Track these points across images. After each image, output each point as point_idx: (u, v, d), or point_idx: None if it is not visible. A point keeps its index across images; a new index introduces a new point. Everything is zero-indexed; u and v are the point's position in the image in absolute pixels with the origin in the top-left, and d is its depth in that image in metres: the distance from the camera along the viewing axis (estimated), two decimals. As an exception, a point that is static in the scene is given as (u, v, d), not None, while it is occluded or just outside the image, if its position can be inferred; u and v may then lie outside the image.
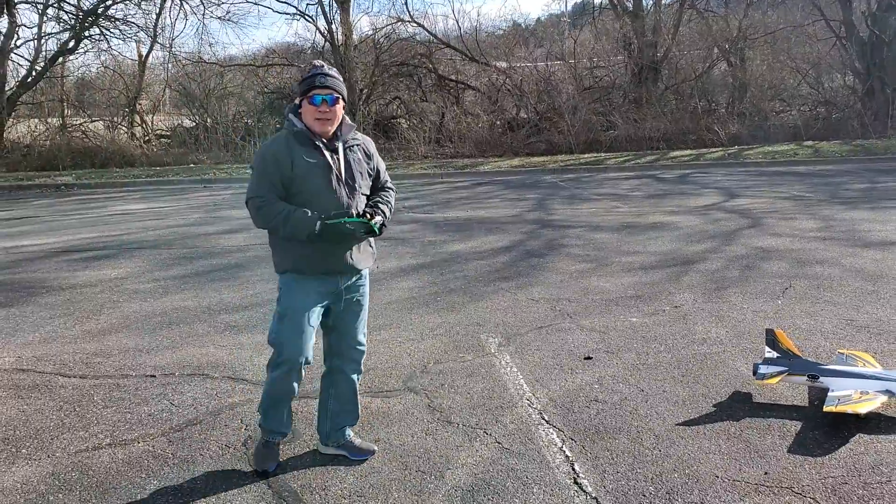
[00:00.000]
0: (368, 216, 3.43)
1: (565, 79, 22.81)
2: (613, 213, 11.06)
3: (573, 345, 5.30)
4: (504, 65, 24.01)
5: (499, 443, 3.84)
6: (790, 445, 3.71)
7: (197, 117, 24.50)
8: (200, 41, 44.04)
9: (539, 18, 38.20)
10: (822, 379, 4.17)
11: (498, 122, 22.36)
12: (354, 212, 3.44)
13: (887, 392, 3.96)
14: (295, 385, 3.59)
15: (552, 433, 3.93)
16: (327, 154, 3.46)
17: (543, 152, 20.54)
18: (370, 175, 3.65)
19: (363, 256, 3.61)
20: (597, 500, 3.29)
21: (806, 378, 4.23)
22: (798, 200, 11.68)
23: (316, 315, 3.54)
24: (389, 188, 3.75)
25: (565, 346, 5.27)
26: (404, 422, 4.12)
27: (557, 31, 28.78)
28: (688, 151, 19.45)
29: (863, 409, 3.83)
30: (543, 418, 4.11)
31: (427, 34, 24.47)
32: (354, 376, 3.80)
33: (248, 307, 6.55)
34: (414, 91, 24.18)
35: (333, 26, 23.71)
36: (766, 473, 3.46)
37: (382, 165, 3.76)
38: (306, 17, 25.53)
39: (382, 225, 3.48)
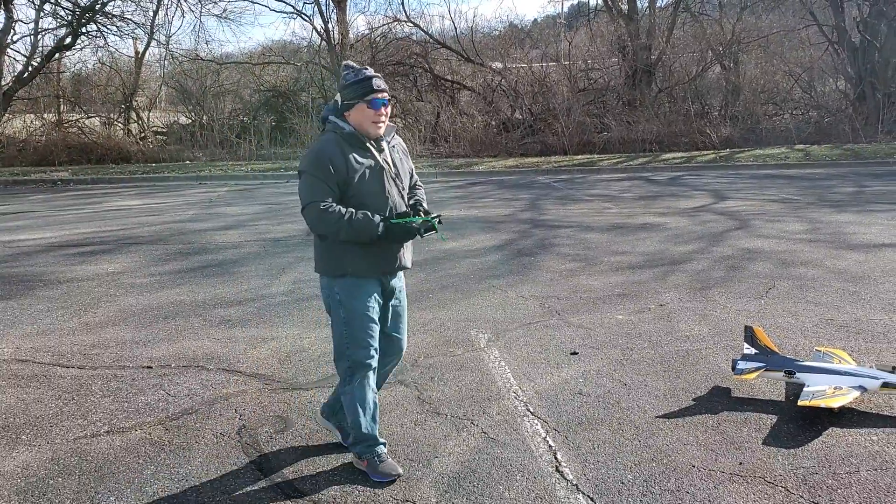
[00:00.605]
0: (428, 214, 3.48)
1: (560, 80, 22.97)
2: (604, 214, 11.20)
3: (560, 340, 5.44)
4: (499, 65, 24.16)
5: (485, 433, 3.97)
6: (765, 437, 3.85)
7: (193, 114, 24.62)
8: (197, 38, 44.29)
9: (535, 20, 38.33)
10: (798, 375, 4.32)
11: (493, 123, 22.50)
12: (415, 211, 3.49)
13: (860, 388, 4.11)
14: (373, 385, 3.57)
15: (537, 424, 4.07)
16: (378, 155, 3.47)
17: (538, 153, 20.69)
18: (409, 174, 3.68)
19: (409, 254, 3.66)
20: (577, 488, 3.42)
21: (783, 374, 4.37)
22: (786, 203, 11.85)
23: (376, 313, 3.53)
24: (420, 186, 3.78)
25: (552, 342, 5.41)
26: (394, 413, 4.25)
27: (553, 33, 28.92)
28: (680, 154, 19.62)
29: (836, 403, 3.97)
30: (529, 410, 4.24)
31: (423, 34, 24.63)
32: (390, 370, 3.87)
33: (242, 302, 6.67)
34: (410, 90, 24.30)
35: (330, 25, 23.86)
36: (740, 464, 3.59)
37: (412, 164, 3.80)
38: (303, 16, 25.69)
39: (440, 221, 3.52)
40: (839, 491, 3.33)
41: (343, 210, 3.32)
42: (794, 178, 15.22)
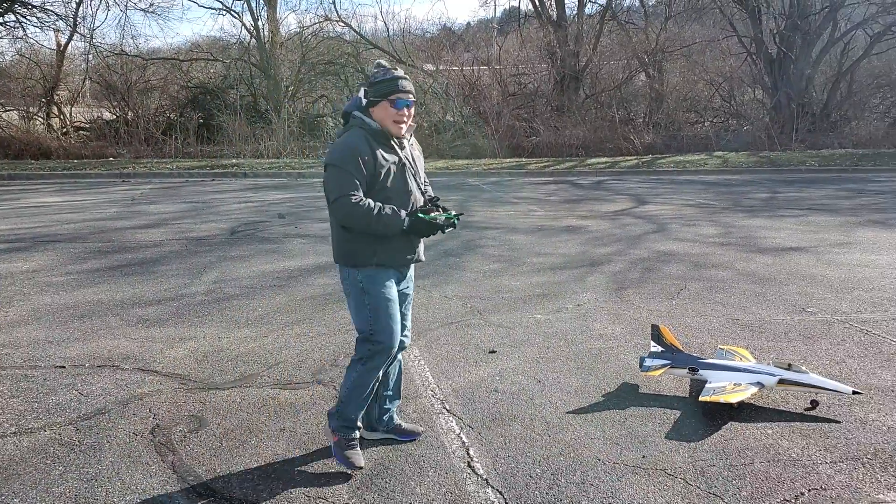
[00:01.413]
0: (447, 211, 3.64)
1: (491, 84, 23.24)
2: (530, 217, 11.41)
3: (480, 339, 5.55)
4: (432, 67, 24.28)
5: (400, 430, 4.04)
6: (668, 432, 4.03)
7: (118, 110, 23.95)
8: (123, 33, 43.10)
9: (468, 23, 38.67)
10: (701, 371, 4.52)
11: (424, 125, 22.60)
12: (436, 207, 3.66)
13: (758, 384, 4.33)
14: (381, 377, 3.75)
15: (451, 421, 4.16)
16: (401, 152, 3.61)
17: (468, 155, 20.89)
18: (424, 171, 3.84)
19: (422, 248, 3.84)
20: (487, 482, 3.52)
21: (687, 371, 4.57)
22: (703, 208, 12.28)
23: (397, 301, 3.71)
24: (428, 183, 3.89)
25: (472, 341, 5.52)
26: (311, 412, 4.29)
27: (485, 37, 29.23)
28: (604, 159, 20.08)
29: (734, 398, 4.17)
30: (445, 407, 4.33)
31: (355, 34, 24.57)
32: (400, 357, 3.96)
33: (161, 301, 6.59)
34: (341, 90, 24.21)
35: (260, 22, 23.58)
36: (643, 457, 3.75)
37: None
38: (232, 13, 25.38)
39: (459, 217, 3.68)
40: (734, 482, 3.51)
41: (372, 204, 3.45)
42: (711, 184, 15.76)
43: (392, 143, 3.58)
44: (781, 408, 4.33)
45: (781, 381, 4.34)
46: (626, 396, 4.50)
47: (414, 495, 3.40)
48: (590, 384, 4.69)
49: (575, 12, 24.42)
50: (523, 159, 20.43)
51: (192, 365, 5.03)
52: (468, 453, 3.79)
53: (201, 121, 23.11)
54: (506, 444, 3.90)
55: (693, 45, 23.69)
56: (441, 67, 24.32)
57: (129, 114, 23.33)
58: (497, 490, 3.45)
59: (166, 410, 4.28)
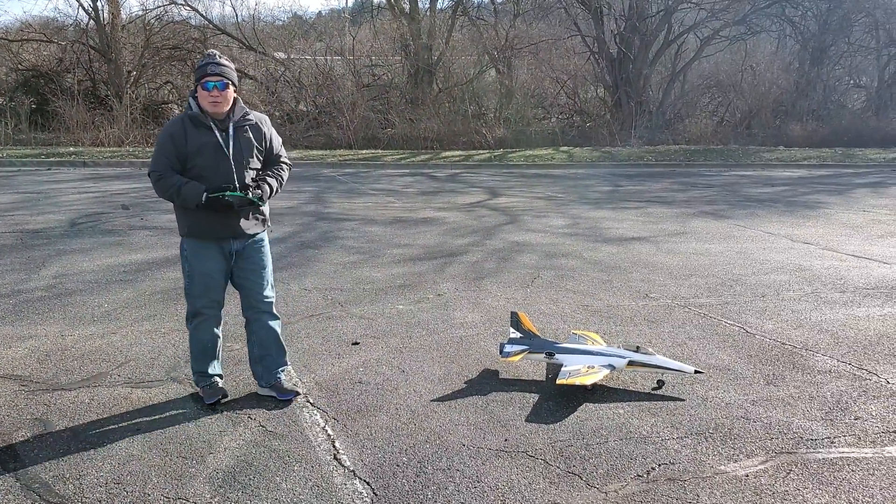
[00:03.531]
0: (248, 190, 3.98)
1: (345, 74, 23.04)
2: (387, 208, 11.44)
3: (342, 331, 5.51)
4: (283, 56, 23.75)
5: (263, 426, 3.95)
6: (528, 415, 4.17)
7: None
8: (-62, 6, 39.10)
9: (320, 12, 38.14)
10: (557, 356, 4.71)
11: (277, 114, 22.08)
12: (236, 185, 3.96)
13: (609, 366, 4.56)
14: (215, 330, 4.24)
15: (316, 414, 4.11)
16: (218, 134, 3.97)
17: (322, 146, 20.63)
18: (261, 151, 4.16)
19: (251, 224, 4.15)
20: (354, 473, 3.51)
21: (544, 355, 4.75)
22: (551, 200, 12.77)
23: (218, 272, 4.13)
24: (283, 162, 4.31)
25: (335, 333, 5.47)
26: (166, 410, 4.11)
27: (337, 27, 28.89)
28: (458, 152, 20.44)
29: (589, 380, 4.38)
30: (308, 401, 4.28)
31: (202, 18, 23.61)
32: (271, 323, 4.35)
33: (-7, 299, 6.09)
34: (187, 77, 23.20)
35: (99, 3, 22.17)
36: (506, 440, 3.87)
37: (277, 141, 4.28)
38: (66, -10, 23.61)
39: (261, 198, 4.06)
40: (590, 460, 3.69)
41: (177, 180, 3.91)
42: (559, 178, 16.41)
43: (210, 125, 3.96)
44: (631, 388, 4.59)
45: (631, 363, 4.59)
46: (487, 383, 4.62)
47: (280, 491, 3.34)
48: (452, 372, 4.77)
49: (427, 6, 24.65)
50: (379, 151, 20.43)
51: (34, 365, 4.68)
52: (334, 446, 3.77)
53: (34, 106, 21.44)
54: (372, 434, 3.90)
55: (540, 43, 24.49)
56: (293, 56, 23.84)
57: (-51, 96, 21.32)
58: (364, 481, 3.45)
59: (5, 415, 3.97)
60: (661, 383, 4.60)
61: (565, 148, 21.28)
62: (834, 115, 25.76)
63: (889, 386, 4.69)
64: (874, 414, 4.27)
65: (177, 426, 3.92)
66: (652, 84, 24.71)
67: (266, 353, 4.33)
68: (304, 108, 22.77)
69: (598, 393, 4.50)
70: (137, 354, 4.93)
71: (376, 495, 3.33)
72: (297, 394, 4.33)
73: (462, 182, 15.36)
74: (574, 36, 24.30)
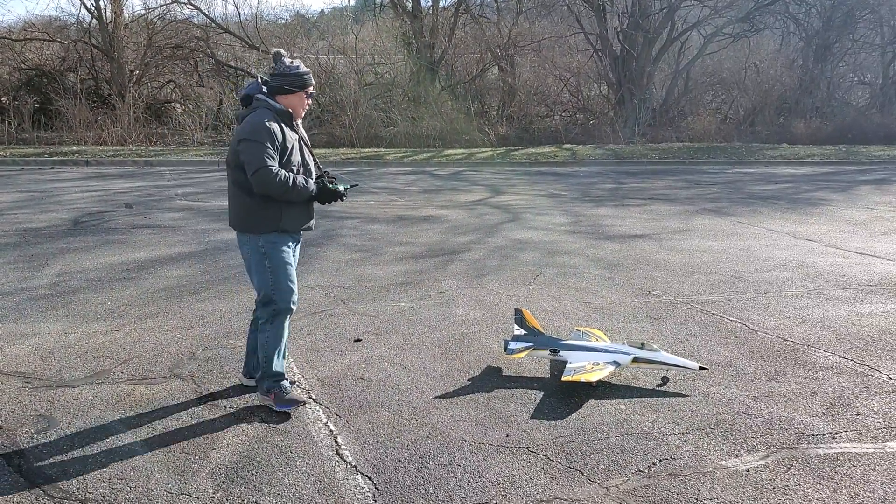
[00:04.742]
0: (332, 183, 4.13)
1: (347, 73, 23.01)
2: (390, 206, 11.45)
3: (344, 328, 5.52)
4: (285, 54, 23.71)
5: (265, 422, 3.97)
6: (529, 411, 4.18)
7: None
8: (-60, 6, 39.19)
9: (322, 11, 38.15)
10: (561, 353, 4.71)
11: (279, 113, 22.08)
12: (333, 178, 4.14)
13: (614, 363, 4.56)
14: (289, 330, 4.24)
15: (318, 410, 4.13)
16: (301, 131, 4.16)
17: (325, 144, 20.61)
18: None
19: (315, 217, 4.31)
20: (356, 469, 3.53)
21: (548, 352, 4.75)
22: (554, 198, 12.77)
23: (294, 265, 4.17)
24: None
25: (337, 330, 5.48)
26: (169, 407, 4.12)
27: (340, 25, 28.90)
28: (461, 150, 20.43)
29: (594, 377, 4.39)
30: (311, 397, 4.29)
31: (204, 17, 23.62)
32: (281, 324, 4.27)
33: (-3, 297, 6.12)
34: (190, 75, 23.22)
35: (102, 2, 22.18)
36: (507, 436, 3.88)
37: None
38: (69, -10, 23.64)
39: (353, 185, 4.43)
40: (592, 456, 3.70)
41: (286, 174, 3.91)
42: (561, 175, 16.40)
43: (293, 123, 4.08)
44: (633, 384, 4.60)
45: (635, 360, 4.59)
46: (489, 379, 4.63)
47: (282, 486, 3.35)
48: (454, 368, 4.78)
49: (430, 4, 24.63)
50: (381, 149, 20.42)
51: (37, 362, 4.70)
52: (336, 441, 3.78)
53: (37, 105, 21.46)
54: (374, 430, 3.91)
55: (543, 41, 24.47)
56: (295, 55, 23.84)
57: (-48, 95, 21.34)
58: (366, 476, 3.46)
59: (9, 411, 3.99)
60: (665, 380, 4.60)
61: (568, 145, 21.26)
62: (838, 112, 25.70)
63: (891, 382, 4.69)
64: (876, 410, 4.27)
65: (180, 422, 3.93)
66: (655, 81, 24.66)
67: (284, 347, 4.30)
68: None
69: (599, 389, 4.50)
70: (140, 351, 4.94)
71: (378, 490, 3.35)
72: (302, 403, 4.24)
73: (464, 180, 15.36)
74: (577, 33, 24.27)
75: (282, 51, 4.16)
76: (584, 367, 4.48)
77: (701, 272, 7.44)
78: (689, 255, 8.22)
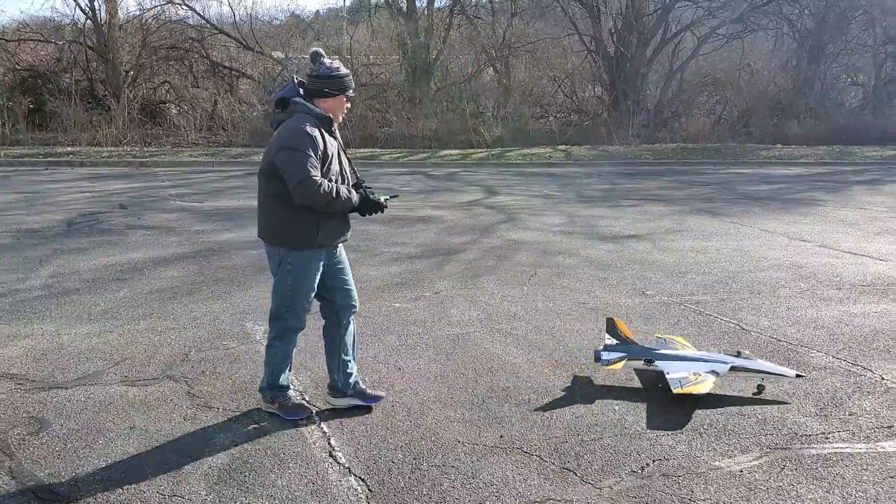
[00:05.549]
0: (373, 193, 4.00)
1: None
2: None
3: (337, 330, 5.51)
4: (281, 55, 23.73)
5: (258, 424, 3.96)
6: (523, 412, 4.18)
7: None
8: (-66, 6, 39.04)
9: (318, 12, 38.14)
10: (657, 363, 4.59)
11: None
12: (371, 188, 4.02)
13: (713, 372, 4.44)
14: (296, 344, 4.13)
15: (311, 412, 4.12)
16: (339, 138, 3.95)
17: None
18: None
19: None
20: (349, 470, 3.52)
21: (643, 362, 4.66)
22: (549, 198, 12.78)
23: (317, 285, 3.99)
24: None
25: (330, 332, 5.47)
26: (162, 409, 4.12)
27: (335, 26, 28.89)
28: (456, 151, 20.42)
29: (703, 389, 4.26)
30: (305, 399, 4.28)
31: (199, 18, 23.58)
32: (354, 324, 4.26)
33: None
34: (185, 76, 23.17)
35: (96, 3, 22.12)
36: (501, 437, 3.88)
37: None
38: (63, -10, 23.56)
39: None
40: (585, 456, 3.70)
41: (329, 184, 3.72)
42: (556, 176, 16.41)
43: (332, 129, 3.88)
44: (626, 385, 4.60)
45: (733, 368, 4.51)
46: (483, 380, 4.63)
47: (275, 488, 3.35)
48: (449, 369, 4.78)
49: (425, 5, 24.61)
50: (377, 150, 20.41)
51: (30, 364, 4.69)
52: (329, 443, 3.78)
53: (31, 106, 21.39)
54: (367, 432, 3.91)
55: (538, 42, 24.47)
56: (290, 55, 23.82)
57: (-53, 96, 21.24)
58: (360, 478, 3.46)
59: (2, 412, 3.98)
60: (761, 388, 4.49)
61: (563, 146, 21.25)
62: (831, 113, 25.72)
63: (884, 382, 4.70)
64: (868, 410, 4.28)
65: (172, 424, 3.93)
66: (649, 82, 24.67)
67: (348, 358, 4.18)
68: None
69: (593, 390, 4.51)
70: (133, 353, 4.93)
71: (371, 492, 3.34)
72: (382, 396, 4.25)
73: (460, 181, 15.36)
74: (571, 35, 24.26)
75: (321, 50, 3.92)
76: (688, 379, 4.34)
77: (694, 272, 7.45)
78: (683, 255, 8.23)
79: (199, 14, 23.40)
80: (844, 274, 7.47)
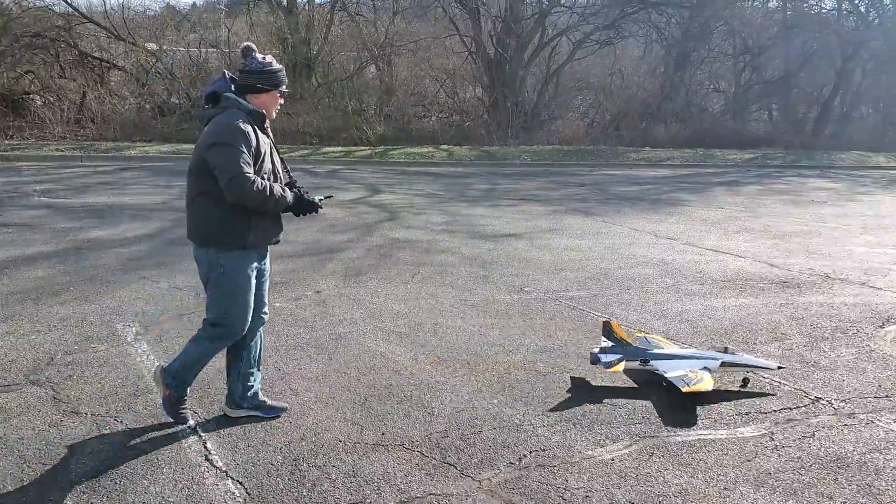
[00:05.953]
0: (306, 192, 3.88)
1: (220, 67, 22.34)
2: (264, 205, 11.19)
3: (214, 331, 5.36)
4: (154, 47, 22.80)
5: (130, 429, 3.82)
6: (405, 409, 4.21)
7: None
8: None
9: (195, 3, 36.83)
10: (651, 363, 4.69)
11: (147, 106, 21.19)
12: (301, 187, 3.89)
13: (706, 369, 4.58)
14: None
15: (186, 415, 3.99)
16: (271, 135, 3.81)
17: (196, 140, 19.93)
18: None
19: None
20: (226, 474, 3.45)
21: (639, 363, 4.73)
22: (431, 197, 12.90)
23: (254, 288, 3.81)
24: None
25: (206, 333, 5.32)
26: (24, 416, 3.89)
27: (212, 18, 28.02)
28: (339, 148, 20.27)
29: (707, 386, 4.38)
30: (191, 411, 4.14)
31: (66, 5, 22.31)
32: (261, 335, 4.07)
33: None
34: (51, 66, 21.87)
35: (-54, -17, 20.55)
36: (383, 434, 3.90)
37: None
38: None
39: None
40: (465, 450, 3.77)
41: (263, 182, 3.56)
42: (439, 175, 16.57)
43: (265, 125, 3.75)
44: (504, 379, 4.71)
45: (723, 364, 4.67)
46: (365, 378, 4.63)
47: (148, 494, 3.24)
48: (331, 369, 4.75)
49: (305, 0, 24.28)
50: (255, 146, 19.97)
51: None
52: (205, 447, 3.68)
53: None
54: (245, 434, 3.84)
55: (419, 42, 24.61)
56: (165, 47, 22.94)
57: None
58: (237, 481, 3.39)
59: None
60: (746, 381, 4.70)
61: (445, 146, 21.48)
62: (696, 118, 27.17)
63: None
64: (728, 398, 4.56)
65: (35, 431, 3.72)
66: (527, 85, 25.29)
67: (251, 371, 3.99)
68: (177, 101, 21.94)
69: (475, 384, 4.59)
70: (-9, 358, 4.64)
71: (249, 495, 3.29)
72: (285, 409, 4.10)
73: (342, 178, 15.25)
74: (452, 35, 24.55)
75: (252, 45, 3.77)
76: (689, 376, 4.45)
77: (569, 269, 7.71)
78: (559, 253, 8.50)
79: (65, 1, 22.15)
80: (707, 270, 7.93)
